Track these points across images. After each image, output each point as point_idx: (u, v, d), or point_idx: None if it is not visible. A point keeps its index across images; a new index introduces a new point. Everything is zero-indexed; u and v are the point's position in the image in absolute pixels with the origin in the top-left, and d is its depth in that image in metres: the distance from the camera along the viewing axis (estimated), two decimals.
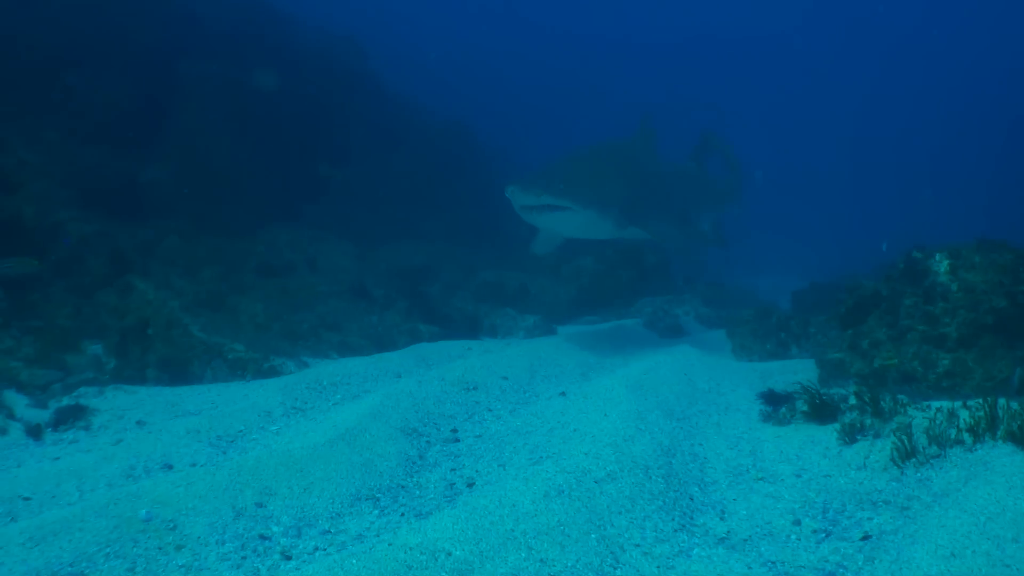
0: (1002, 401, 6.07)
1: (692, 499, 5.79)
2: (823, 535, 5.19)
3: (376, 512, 5.81)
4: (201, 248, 14.05)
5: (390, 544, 4.95)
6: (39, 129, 15.06)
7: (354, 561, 4.75)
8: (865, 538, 5.05)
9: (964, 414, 6.19)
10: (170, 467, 6.68)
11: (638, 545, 5.08)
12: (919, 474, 5.71)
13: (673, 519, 5.43)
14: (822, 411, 7.16)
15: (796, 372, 9.67)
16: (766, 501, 5.76)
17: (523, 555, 4.85)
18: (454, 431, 7.52)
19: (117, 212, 14.12)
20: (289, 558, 5.18)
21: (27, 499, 6.04)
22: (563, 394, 8.55)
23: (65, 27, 16.48)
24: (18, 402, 8.64)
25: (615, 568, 4.83)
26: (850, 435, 6.58)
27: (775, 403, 7.69)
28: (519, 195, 10.44)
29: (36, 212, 12.59)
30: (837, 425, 6.80)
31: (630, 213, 11.29)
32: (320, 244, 16.26)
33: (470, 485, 6.23)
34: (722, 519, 5.51)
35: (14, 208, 12.20)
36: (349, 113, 20.16)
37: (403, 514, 5.77)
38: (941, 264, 8.45)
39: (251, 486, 5.91)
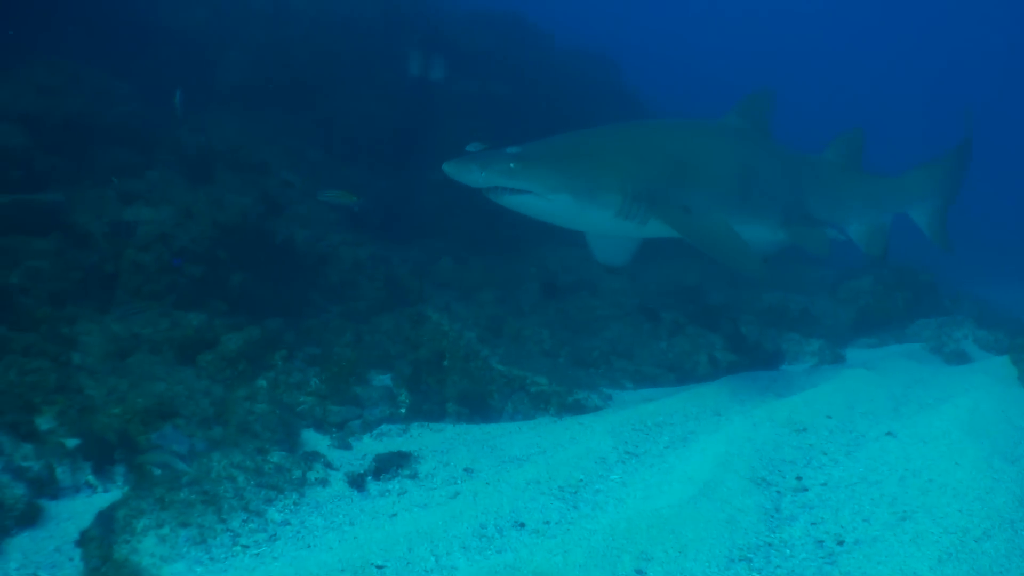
0: None
1: None
2: None
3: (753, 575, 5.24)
4: (474, 270, 13.43)
5: None
6: (301, 149, 14.73)
7: None
8: None
9: None
10: (522, 525, 5.89)
11: None
12: None
13: None
14: None
15: None
16: None
17: None
18: (799, 478, 6.82)
19: (384, 233, 13.58)
20: None
21: (380, 567, 5.24)
22: (890, 434, 7.74)
23: (323, 49, 16.28)
24: (319, 442, 7.94)
25: None
26: None
27: None
28: (456, 174, 8.03)
29: (309, 236, 12.05)
30: None
31: (658, 206, 8.74)
32: (589, 263, 15.30)
33: (840, 543, 5.64)
34: None
35: (289, 232, 11.66)
36: None
37: None
38: None
39: (627, 551, 5.31)
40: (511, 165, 7.97)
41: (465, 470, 7.08)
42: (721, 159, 9.77)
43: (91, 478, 6.75)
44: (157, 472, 6.51)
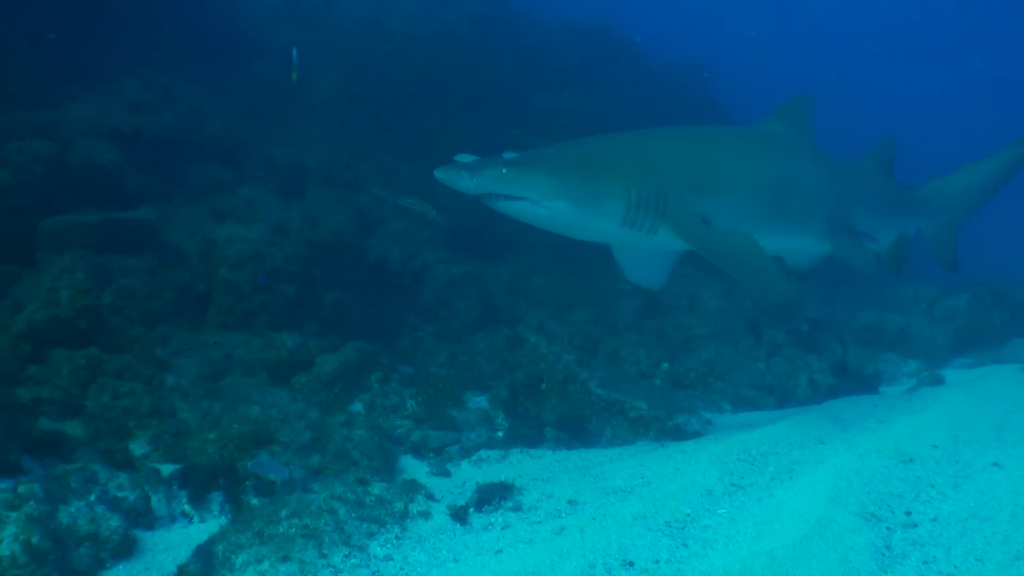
0: None
1: None
2: None
3: None
4: (568, 287, 13.13)
5: None
6: (392, 165, 14.62)
7: None
8: None
9: None
10: (631, 564, 5.57)
11: None
12: None
13: None
14: None
15: None
16: None
17: None
18: (908, 513, 6.44)
19: (475, 249, 13.39)
20: None
21: None
22: (996, 464, 7.39)
23: (415, 64, 16.25)
24: (417, 469, 7.76)
25: None
26: None
27: None
28: (448, 180, 7.40)
29: (402, 253, 11.88)
30: None
31: (669, 215, 8.05)
32: (687, 281, 14.96)
33: None
34: None
35: (382, 250, 11.52)
36: None
37: None
38: None
39: None
40: (503, 171, 7.39)
41: (569, 502, 6.80)
42: (752, 166, 9.02)
43: (187, 507, 6.60)
44: (255, 503, 6.34)
